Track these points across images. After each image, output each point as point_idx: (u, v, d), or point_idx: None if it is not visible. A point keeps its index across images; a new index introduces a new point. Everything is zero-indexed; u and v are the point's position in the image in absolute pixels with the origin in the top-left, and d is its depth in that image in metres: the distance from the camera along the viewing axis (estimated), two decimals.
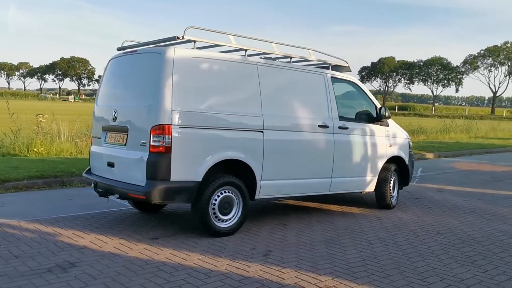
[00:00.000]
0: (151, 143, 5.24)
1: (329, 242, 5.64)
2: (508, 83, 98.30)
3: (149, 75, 5.51)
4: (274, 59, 6.69)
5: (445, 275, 4.58)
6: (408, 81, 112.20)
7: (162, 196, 5.24)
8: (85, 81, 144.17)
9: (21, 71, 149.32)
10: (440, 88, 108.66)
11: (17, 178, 8.54)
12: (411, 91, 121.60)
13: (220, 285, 4.16)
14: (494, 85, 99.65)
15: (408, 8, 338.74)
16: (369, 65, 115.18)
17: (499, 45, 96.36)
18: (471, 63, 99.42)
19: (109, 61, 6.39)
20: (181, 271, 4.49)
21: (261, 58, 6.50)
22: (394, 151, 7.62)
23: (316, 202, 7.94)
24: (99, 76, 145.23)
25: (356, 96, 7.54)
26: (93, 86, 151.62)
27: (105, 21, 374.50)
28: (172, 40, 5.71)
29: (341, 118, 6.89)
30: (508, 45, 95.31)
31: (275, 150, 6.07)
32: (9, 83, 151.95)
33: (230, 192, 5.75)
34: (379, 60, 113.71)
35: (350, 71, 7.43)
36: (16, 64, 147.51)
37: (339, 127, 6.80)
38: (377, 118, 7.38)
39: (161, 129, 5.20)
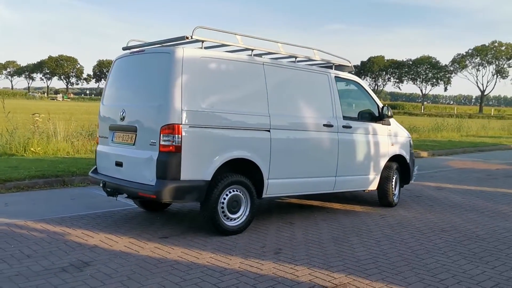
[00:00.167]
0: (161, 143, 5.26)
1: (337, 240, 5.70)
2: (495, 82, 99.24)
3: (158, 74, 5.52)
4: (279, 58, 6.73)
5: (455, 271, 4.66)
6: (397, 80, 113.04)
7: (172, 195, 5.26)
8: (73, 80, 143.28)
9: (8, 69, 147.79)
10: (429, 87, 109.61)
11: (18, 178, 8.50)
12: (401, 90, 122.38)
13: (236, 283, 4.20)
14: (482, 84, 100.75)
15: (398, 8, 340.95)
16: (359, 64, 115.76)
17: (487, 44, 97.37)
18: (460, 62, 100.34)
19: (115, 60, 6.39)
20: (195, 269, 4.52)
21: (263, 57, 6.53)
22: (396, 150, 7.71)
23: (318, 200, 8.01)
24: (88, 75, 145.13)
25: (359, 95, 7.61)
26: (82, 85, 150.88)
27: (94, 19, 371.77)
28: (180, 40, 5.73)
29: (345, 117, 6.95)
30: (496, 44, 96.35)
31: (281, 149, 6.12)
32: None
33: (238, 191, 5.79)
34: (369, 59, 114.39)
35: (353, 70, 7.51)
36: (3, 62, 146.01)
37: (343, 126, 6.86)
38: (380, 117, 7.46)
39: (171, 129, 5.22)
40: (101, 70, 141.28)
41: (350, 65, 7.45)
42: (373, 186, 7.48)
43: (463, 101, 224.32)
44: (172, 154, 5.23)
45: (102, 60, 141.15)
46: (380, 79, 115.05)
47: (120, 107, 5.89)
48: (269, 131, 6.00)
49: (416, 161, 14.36)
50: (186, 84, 5.31)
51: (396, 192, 7.81)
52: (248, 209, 5.89)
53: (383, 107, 7.47)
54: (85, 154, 12.24)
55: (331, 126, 6.70)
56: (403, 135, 7.96)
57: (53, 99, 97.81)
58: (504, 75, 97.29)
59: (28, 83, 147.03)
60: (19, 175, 8.67)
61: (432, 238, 5.86)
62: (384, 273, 4.55)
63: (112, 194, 5.86)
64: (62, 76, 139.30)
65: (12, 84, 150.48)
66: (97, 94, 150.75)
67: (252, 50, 6.16)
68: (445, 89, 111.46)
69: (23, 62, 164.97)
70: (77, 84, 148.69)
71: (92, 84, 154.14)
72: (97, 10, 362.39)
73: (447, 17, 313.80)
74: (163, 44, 5.98)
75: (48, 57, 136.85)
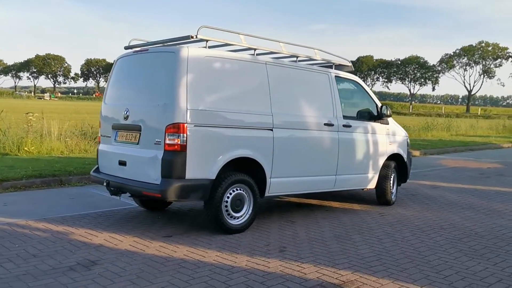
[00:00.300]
0: (166, 142, 5.28)
1: (339, 238, 5.76)
2: (482, 82, 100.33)
3: (163, 74, 5.53)
4: (280, 58, 6.77)
5: (458, 268, 4.74)
6: (386, 80, 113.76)
7: (177, 194, 5.28)
8: (60, 79, 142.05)
9: None
10: (417, 86, 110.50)
11: (15, 177, 8.45)
12: (389, 89, 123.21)
13: (245, 281, 4.23)
14: (469, 84, 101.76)
15: (386, 8, 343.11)
16: None
17: (474, 44, 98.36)
18: (447, 62, 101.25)
19: (117, 60, 6.39)
20: (203, 267, 4.55)
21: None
22: (394, 149, 7.80)
23: (316, 199, 8.07)
24: (75, 74, 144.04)
25: (358, 95, 7.68)
26: (69, 84, 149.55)
27: (82, 18, 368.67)
28: (184, 39, 5.75)
29: (345, 116, 7.02)
30: (483, 44, 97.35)
31: (284, 148, 6.17)
32: None
33: (242, 189, 5.83)
34: (358, 59, 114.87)
35: (353, 70, 7.58)
36: None
37: (343, 126, 6.93)
38: (378, 117, 7.54)
39: (177, 128, 5.24)
40: (89, 69, 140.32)
41: (349, 64, 7.53)
42: (372, 185, 7.56)
43: (449, 100, 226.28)
44: (178, 153, 5.25)
45: (90, 59, 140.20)
46: (369, 78, 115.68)
47: (123, 106, 5.89)
48: (271, 130, 6.05)
49: None
50: (191, 83, 5.33)
51: (394, 190, 7.90)
52: (251, 208, 5.92)
53: (382, 107, 7.55)
54: (79, 153, 12.19)
55: (331, 125, 6.76)
56: (401, 134, 8.05)
57: (40, 98, 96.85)
58: (490, 75, 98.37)
59: (15, 82, 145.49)
60: (16, 174, 8.62)
61: (432, 236, 5.95)
62: (390, 270, 4.62)
63: (115, 193, 5.86)
64: (49, 75, 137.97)
65: None
66: (85, 93, 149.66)
67: (255, 49, 6.20)
68: (433, 89, 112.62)
69: (9, 61, 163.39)
70: (65, 83, 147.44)
71: (80, 83, 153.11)
72: (85, 9, 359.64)
73: (435, 17, 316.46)
74: (165, 44, 6.00)
75: (35, 55, 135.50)
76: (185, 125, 5.26)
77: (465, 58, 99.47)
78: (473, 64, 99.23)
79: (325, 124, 6.69)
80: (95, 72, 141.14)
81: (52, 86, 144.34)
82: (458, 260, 5.00)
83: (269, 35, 5.79)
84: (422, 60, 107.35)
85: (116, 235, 5.57)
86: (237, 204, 5.80)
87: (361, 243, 5.56)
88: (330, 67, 7.30)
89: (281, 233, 5.91)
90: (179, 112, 5.25)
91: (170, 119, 5.27)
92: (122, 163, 5.83)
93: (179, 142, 5.24)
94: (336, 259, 4.91)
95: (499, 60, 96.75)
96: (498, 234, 6.12)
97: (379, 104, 7.61)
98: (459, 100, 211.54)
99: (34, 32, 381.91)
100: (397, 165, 7.99)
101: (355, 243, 5.54)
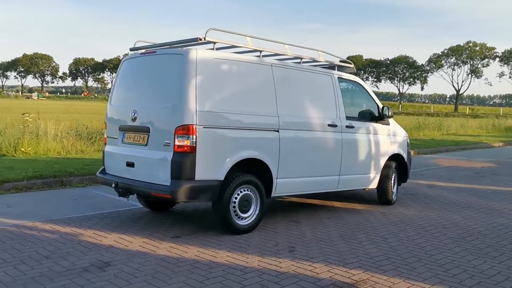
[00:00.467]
0: (175, 143, 5.32)
1: (345, 237, 5.84)
2: (470, 81, 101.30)
3: (172, 76, 5.57)
4: (285, 59, 6.83)
5: (465, 266, 4.84)
6: (375, 79, 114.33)
7: (187, 195, 5.32)
8: (48, 78, 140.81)
9: None
10: (406, 86, 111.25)
11: (16, 178, 8.42)
12: (378, 88, 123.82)
13: (259, 281, 4.29)
14: (457, 83, 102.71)
15: (376, 7, 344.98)
16: None
17: (462, 44, 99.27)
18: (436, 61, 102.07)
19: (123, 61, 6.41)
20: (216, 268, 4.60)
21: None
22: (394, 149, 7.90)
23: (318, 199, 8.14)
24: (64, 73, 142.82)
25: (360, 96, 7.78)
26: (57, 83, 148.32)
27: (71, 17, 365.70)
28: (192, 42, 5.78)
29: (347, 117, 7.11)
30: (471, 44, 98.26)
31: (290, 149, 6.23)
32: None
33: (249, 190, 5.88)
34: (347, 59, 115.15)
35: (355, 71, 7.67)
36: None
37: (346, 126, 7.02)
38: (380, 117, 7.63)
39: (186, 129, 5.28)
40: (77, 68, 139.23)
41: (351, 66, 7.62)
42: (374, 185, 7.66)
43: (437, 100, 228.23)
44: (187, 154, 5.29)
45: (79, 58, 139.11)
46: (359, 78, 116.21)
47: (131, 108, 5.91)
48: (278, 131, 6.11)
49: None
50: (199, 85, 5.37)
51: (395, 190, 8.01)
52: (258, 208, 5.98)
53: (383, 108, 7.65)
54: (76, 154, 12.15)
55: (335, 126, 6.84)
56: (401, 135, 8.16)
57: (28, 98, 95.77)
58: (478, 74, 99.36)
59: (2, 82, 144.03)
60: (16, 175, 8.59)
61: (436, 235, 6.05)
62: (399, 269, 4.70)
63: (123, 194, 5.89)
64: (37, 75, 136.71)
65: None
66: (73, 92, 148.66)
67: (261, 51, 6.25)
68: (422, 88, 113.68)
69: None
70: (52, 82, 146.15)
71: (68, 82, 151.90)
72: (74, 8, 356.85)
73: (424, 17, 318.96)
74: (172, 46, 6.03)
75: (23, 55, 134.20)
76: (195, 126, 5.30)
77: (453, 58, 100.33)
78: (461, 64, 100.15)
79: (329, 125, 6.77)
80: (83, 72, 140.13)
81: (40, 85, 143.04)
82: (464, 258, 5.10)
83: (256, 34, 5.85)
84: (411, 60, 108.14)
85: (125, 236, 5.60)
86: (244, 205, 5.86)
87: (368, 242, 5.65)
88: (333, 68, 7.39)
89: (288, 233, 5.97)
90: (189, 114, 5.29)
91: (179, 120, 5.30)
92: (130, 165, 5.85)
93: (188, 144, 5.28)
94: (346, 259, 4.98)
95: (486, 60, 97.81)
96: (500, 233, 6.24)
97: (380, 105, 7.70)
98: (447, 99, 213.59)
99: (22, 31, 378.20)
100: (398, 165, 8.09)
101: (361, 243, 5.62)
